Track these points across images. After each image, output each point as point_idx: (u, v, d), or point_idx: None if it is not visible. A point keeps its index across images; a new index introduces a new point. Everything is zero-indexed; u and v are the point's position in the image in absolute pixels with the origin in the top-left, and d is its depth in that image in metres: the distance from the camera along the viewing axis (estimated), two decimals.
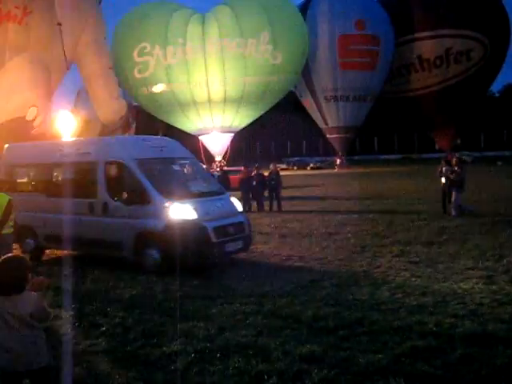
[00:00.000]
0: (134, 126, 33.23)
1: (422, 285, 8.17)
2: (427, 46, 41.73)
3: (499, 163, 52.27)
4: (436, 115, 47.14)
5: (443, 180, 16.52)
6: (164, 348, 5.88)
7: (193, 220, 9.70)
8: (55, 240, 11.42)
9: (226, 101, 33.56)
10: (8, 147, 13.28)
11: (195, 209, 9.82)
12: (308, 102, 39.95)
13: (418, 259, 10.06)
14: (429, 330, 6.08)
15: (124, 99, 31.15)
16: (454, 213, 15.66)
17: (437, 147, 60.44)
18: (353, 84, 37.18)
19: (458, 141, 61.23)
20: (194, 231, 9.55)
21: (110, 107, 28.35)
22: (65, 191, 11.16)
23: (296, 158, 72.07)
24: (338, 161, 54.33)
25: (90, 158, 11.07)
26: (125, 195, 10.25)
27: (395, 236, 12.69)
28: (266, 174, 21.27)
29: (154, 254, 9.74)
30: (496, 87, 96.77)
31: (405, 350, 5.53)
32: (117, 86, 30.08)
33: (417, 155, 73.96)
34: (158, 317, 7.01)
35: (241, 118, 35.41)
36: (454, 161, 16.73)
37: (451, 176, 16.07)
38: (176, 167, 11.72)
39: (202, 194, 10.87)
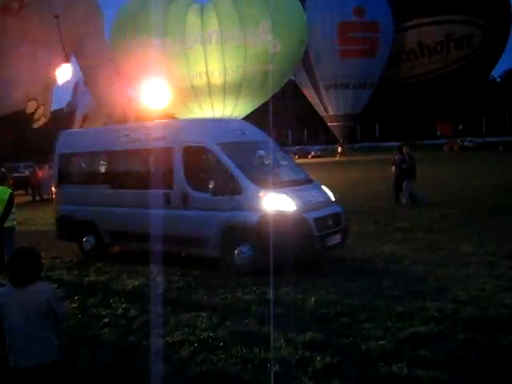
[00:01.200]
0: (132, 117, 33.18)
1: (423, 271, 8.18)
2: (427, 32, 41.50)
3: (501, 148, 52.20)
4: (437, 101, 46.97)
5: (393, 169, 16.55)
6: (167, 338, 5.90)
7: (292, 212, 8.51)
8: (122, 237, 10.44)
9: (226, 90, 33.46)
10: (63, 133, 12.06)
11: (293, 199, 8.66)
12: (308, 91, 39.82)
13: (419, 246, 10.07)
14: (431, 316, 6.09)
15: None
16: (404, 201, 15.78)
17: (438, 133, 60.30)
18: (353, 71, 37.02)
19: (460, 126, 61.11)
20: (295, 224, 8.37)
21: (110, 98, 28.31)
22: (133, 182, 10.31)
23: (297, 147, 72.00)
24: (340, 149, 54.26)
25: (163, 144, 9.79)
26: (211, 184, 8.83)
27: (396, 223, 12.69)
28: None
29: (247, 250, 8.61)
30: (497, 72, 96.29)
31: (407, 336, 5.55)
32: (116, 77, 30.02)
33: (419, 142, 73.87)
34: (161, 307, 7.02)
35: (241, 108, 35.31)
36: (404, 150, 16.70)
37: (402, 165, 16.12)
38: (261, 152, 10.41)
39: (294, 183, 9.52)
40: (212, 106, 34.56)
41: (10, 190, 9.68)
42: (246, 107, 35.64)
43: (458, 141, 61.99)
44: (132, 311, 6.96)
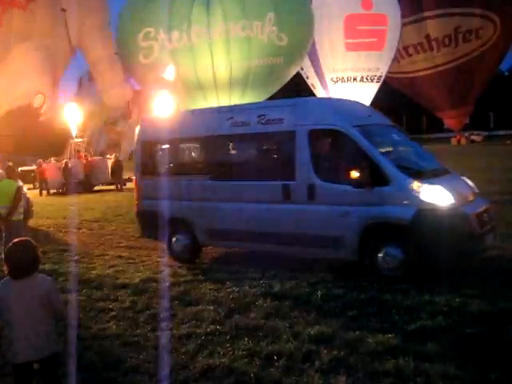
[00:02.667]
0: (136, 110, 33.22)
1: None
2: (435, 25, 41.18)
3: (508, 142, 51.91)
4: (444, 95, 46.70)
5: None
6: (174, 331, 5.91)
7: (451, 206, 7.28)
8: (224, 236, 8.99)
9: (231, 84, 33.33)
10: (147, 119, 10.90)
11: (449, 190, 7.42)
12: (314, 84, 39.62)
13: None
14: (439, 310, 6.07)
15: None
16: None
17: (445, 127, 59.97)
18: (360, 65, 36.82)
19: (467, 120, 60.77)
20: (455, 221, 7.20)
21: (116, 92, 28.33)
22: (240, 172, 8.96)
23: None
24: None
25: (282, 127, 8.34)
26: (354, 174, 7.55)
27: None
28: None
29: (396, 252, 7.33)
30: (505, 66, 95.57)
31: (414, 330, 5.53)
32: (122, 71, 30.02)
33: (426, 135, 73.57)
34: (168, 301, 7.03)
35: (247, 101, 35.15)
36: None
37: None
38: (395, 137, 9.07)
39: (436, 172, 8.20)
40: (218, 99, 34.47)
41: (17, 184, 9.73)
42: (252, 101, 35.51)
43: (466, 134, 61.63)
44: (139, 304, 6.98)
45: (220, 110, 9.94)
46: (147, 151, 10.18)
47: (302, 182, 8.00)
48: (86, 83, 33.22)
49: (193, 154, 10.15)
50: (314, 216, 7.90)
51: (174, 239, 9.50)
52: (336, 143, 8.22)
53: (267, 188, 8.37)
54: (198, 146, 9.84)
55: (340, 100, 10.86)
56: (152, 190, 9.82)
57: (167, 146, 10.05)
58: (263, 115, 8.59)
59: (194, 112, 10.57)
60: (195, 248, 9.39)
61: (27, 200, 13.45)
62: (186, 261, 9.22)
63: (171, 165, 9.95)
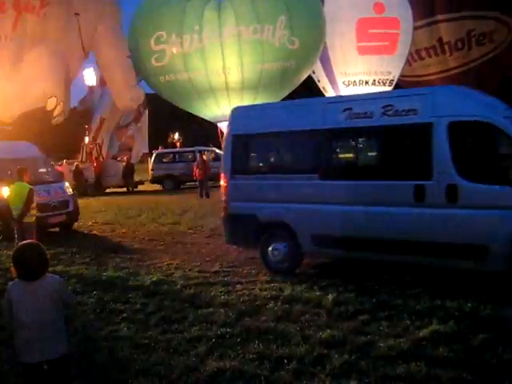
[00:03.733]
0: (146, 113, 33.27)
1: (443, 269, 8.07)
2: (448, 29, 40.94)
3: None
4: None
5: None
6: (184, 333, 5.91)
7: None
8: (335, 243, 7.97)
9: (243, 87, 33.35)
10: (237, 109, 9.42)
11: None
12: (326, 87, 39.54)
13: None
14: (450, 315, 6.02)
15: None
16: None
17: None
18: (372, 68, 36.70)
19: None
20: None
21: (128, 95, 28.46)
22: (358, 170, 8.03)
23: None
24: None
25: (415, 119, 7.34)
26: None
27: None
28: None
29: None
30: None
31: (426, 335, 5.49)
32: (134, 74, 30.18)
33: None
34: (178, 303, 7.04)
35: None
36: None
37: None
38: None
39: None
40: (229, 102, 34.48)
41: (29, 186, 9.82)
42: None
43: None
44: (150, 307, 6.98)
45: (332, 101, 8.94)
46: (239, 146, 8.89)
47: (440, 181, 7.02)
48: (98, 89, 33.40)
49: (296, 150, 8.79)
50: (455, 221, 6.94)
51: (270, 247, 8.44)
52: (484, 137, 7.24)
53: (394, 189, 7.35)
54: (302, 140, 8.52)
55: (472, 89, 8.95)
56: (244, 190, 8.77)
57: (264, 140, 8.96)
58: (390, 106, 7.54)
59: (297, 102, 9.33)
60: (296, 256, 8.36)
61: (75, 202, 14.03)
62: (284, 271, 8.24)
63: (268, 162, 9.13)
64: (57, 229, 14.14)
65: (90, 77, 31.06)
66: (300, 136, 8.46)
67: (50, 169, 15.86)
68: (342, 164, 8.39)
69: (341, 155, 8.52)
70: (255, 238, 8.59)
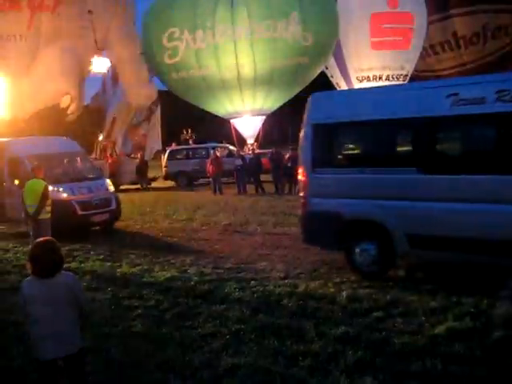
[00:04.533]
0: (158, 110, 33.28)
1: (457, 265, 8.01)
2: (463, 23, 40.56)
3: None
4: None
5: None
6: (199, 330, 5.93)
7: None
8: (439, 244, 7.11)
9: (256, 84, 33.39)
10: (317, 96, 8.48)
11: None
12: (339, 83, 39.34)
13: None
14: (466, 311, 5.98)
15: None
16: None
17: None
18: (386, 63, 36.49)
19: None
20: None
21: (141, 92, 28.58)
22: (468, 164, 7.02)
23: None
24: None
25: None
26: None
27: None
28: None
29: None
30: None
31: (441, 332, 5.46)
32: (147, 71, 30.26)
33: None
34: (193, 299, 7.06)
35: (272, 101, 35.21)
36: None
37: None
38: None
39: None
40: (242, 98, 34.53)
41: (44, 183, 9.88)
42: (276, 100, 35.52)
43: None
44: (164, 303, 7.01)
45: (432, 85, 7.93)
46: (321, 137, 8.04)
47: None
48: (110, 87, 33.49)
49: (389, 141, 7.92)
50: None
51: (357, 248, 7.68)
52: None
53: (508, 183, 6.51)
54: (396, 130, 7.85)
55: None
56: (327, 185, 7.98)
57: (352, 130, 8.15)
58: (506, 90, 6.66)
59: (389, 88, 8.58)
60: (388, 258, 7.60)
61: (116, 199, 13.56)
62: (373, 275, 7.55)
63: (356, 154, 8.24)
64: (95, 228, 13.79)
65: (98, 64, 30.57)
66: (393, 125, 7.65)
67: (89, 164, 15.46)
68: (447, 156, 7.49)
69: (445, 146, 7.56)
70: (338, 238, 7.84)
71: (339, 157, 8.38)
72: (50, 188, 12.05)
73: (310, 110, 8.31)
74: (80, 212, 12.48)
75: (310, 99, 8.40)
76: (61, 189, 12.57)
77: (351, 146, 8.45)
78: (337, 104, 8.21)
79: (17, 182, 12.65)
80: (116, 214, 13.61)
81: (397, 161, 7.60)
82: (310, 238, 8.45)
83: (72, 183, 13.01)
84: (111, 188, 13.96)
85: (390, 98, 7.76)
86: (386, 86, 9.20)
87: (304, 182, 8.28)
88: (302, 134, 8.44)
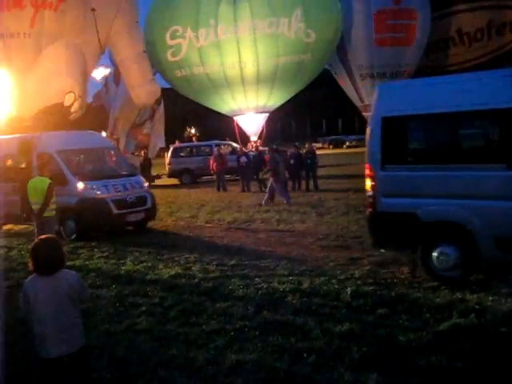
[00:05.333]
0: (162, 108, 33.22)
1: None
2: (467, 19, 40.40)
3: None
4: None
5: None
6: (203, 327, 5.93)
7: None
8: None
9: (259, 81, 33.37)
10: (385, 87, 8.23)
11: None
12: (343, 80, 39.27)
13: None
14: (471, 308, 5.96)
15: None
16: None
17: None
18: (389, 60, 36.38)
19: None
20: None
21: (145, 90, 28.60)
22: None
23: (332, 137, 71.46)
24: None
25: None
26: None
27: None
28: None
29: None
30: None
31: (446, 328, 5.44)
32: (150, 69, 30.26)
33: None
34: (197, 296, 7.06)
35: (275, 98, 35.20)
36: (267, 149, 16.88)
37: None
38: None
39: None
40: (245, 96, 34.52)
41: (48, 181, 9.89)
42: (280, 97, 35.48)
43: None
44: (168, 300, 7.01)
45: None
46: (392, 130, 7.43)
47: None
48: (112, 86, 33.51)
49: (473, 135, 7.50)
50: None
51: (435, 252, 7.06)
52: None
53: None
54: (481, 122, 7.32)
55: None
56: (399, 184, 7.37)
57: (428, 123, 7.43)
58: None
59: (468, 76, 7.76)
60: (472, 263, 6.98)
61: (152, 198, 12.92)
62: (453, 280, 6.94)
63: (434, 149, 7.49)
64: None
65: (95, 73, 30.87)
66: (478, 117, 7.08)
67: (123, 160, 14.86)
68: None
69: None
70: (413, 241, 7.27)
71: (415, 152, 7.73)
72: (82, 185, 11.88)
73: (378, 102, 7.67)
74: (115, 211, 12.05)
75: (377, 90, 7.81)
76: (94, 186, 12.13)
77: (428, 140, 7.69)
78: (410, 95, 7.51)
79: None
80: (151, 214, 13.06)
81: (484, 156, 6.93)
82: (380, 241, 7.81)
83: (106, 180, 12.48)
84: (146, 185, 13.45)
85: (467, 87, 7.02)
86: (463, 75, 8.45)
87: (371, 180, 7.59)
88: (368, 128, 7.84)
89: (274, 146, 18.66)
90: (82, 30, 24.54)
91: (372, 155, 7.60)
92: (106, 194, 12.10)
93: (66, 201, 11.55)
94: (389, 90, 7.93)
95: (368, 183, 7.66)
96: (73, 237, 11.81)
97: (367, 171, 7.69)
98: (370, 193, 7.62)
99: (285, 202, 15.57)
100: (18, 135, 14.39)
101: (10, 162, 13.61)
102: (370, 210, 7.70)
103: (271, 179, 16.12)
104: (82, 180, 12.14)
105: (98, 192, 12.06)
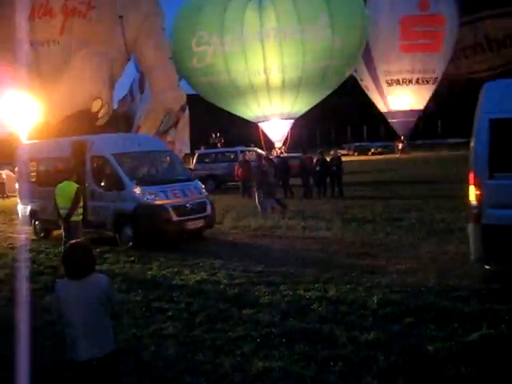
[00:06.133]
0: (187, 114, 33.32)
1: (489, 271, 7.86)
2: (496, 25, 39.93)
3: None
4: None
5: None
6: (229, 333, 5.93)
7: None
8: None
9: (284, 87, 33.39)
10: (497, 85, 7.25)
11: None
12: (369, 86, 39.12)
13: None
14: (501, 319, 5.85)
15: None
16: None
17: None
18: (416, 66, 36.13)
19: None
20: None
21: (170, 96, 28.85)
22: None
23: (357, 144, 71.05)
24: (400, 145, 53.16)
25: None
26: None
27: (462, 222, 12.28)
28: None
29: None
30: None
31: (475, 339, 5.35)
32: (176, 75, 30.51)
33: None
34: (223, 303, 7.07)
35: (300, 104, 35.17)
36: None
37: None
38: None
39: None
40: (270, 102, 34.57)
41: (76, 185, 10.03)
42: (305, 104, 35.47)
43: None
44: (194, 305, 7.04)
45: None
46: (502, 134, 6.68)
47: None
48: (137, 93, 33.81)
49: None
50: None
51: None
52: None
53: None
54: None
55: None
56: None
57: None
58: None
59: None
60: None
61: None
62: None
63: None
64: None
65: None
66: None
67: (179, 164, 14.20)
68: None
69: None
70: None
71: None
72: (140, 190, 11.35)
73: (484, 102, 6.94)
74: (175, 218, 11.37)
75: (484, 89, 7.04)
76: (153, 192, 11.51)
77: None
78: None
79: (105, 182, 11.96)
80: (211, 221, 12.34)
81: None
82: (486, 257, 7.03)
83: (164, 185, 11.81)
84: (205, 191, 12.80)
85: None
86: None
87: (477, 190, 6.88)
88: (474, 131, 7.09)
89: (265, 154, 18.48)
90: (109, 37, 24.92)
91: (477, 162, 6.88)
92: (166, 200, 11.48)
93: (123, 206, 11.37)
94: (497, 88, 7.06)
95: (472, 193, 6.96)
96: (129, 244, 11.32)
97: (471, 180, 6.97)
98: (474, 203, 6.93)
99: (259, 210, 15.36)
100: (70, 137, 14.08)
101: (60, 166, 13.03)
102: (475, 222, 6.98)
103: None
104: (139, 185, 11.54)
105: (157, 198, 11.46)
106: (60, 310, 3.86)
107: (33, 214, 13.60)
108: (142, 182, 11.66)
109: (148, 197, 11.37)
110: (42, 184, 13.15)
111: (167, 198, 11.51)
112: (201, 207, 11.97)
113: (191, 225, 11.68)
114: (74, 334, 3.81)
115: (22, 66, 21.81)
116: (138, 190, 11.42)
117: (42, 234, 13.49)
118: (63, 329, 3.90)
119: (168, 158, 13.78)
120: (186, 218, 11.54)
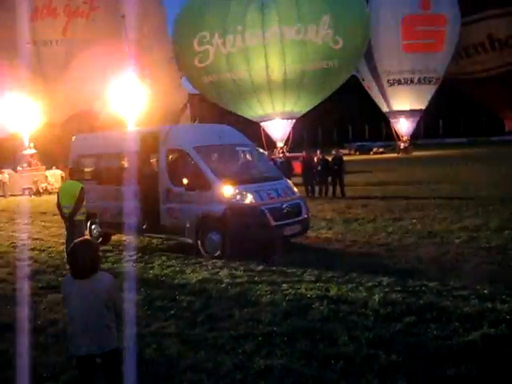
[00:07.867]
0: (187, 113, 33.46)
1: (493, 271, 7.90)
2: (498, 25, 39.85)
3: None
4: (506, 96, 45.13)
5: None
6: (231, 331, 5.96)
7: None
8: None
9: (286, 87, 33.40)
10: None
11: None
12: (370, 86, 39.10)
13: (487, 245, 9.73)
14: (501, 318, 5.88)
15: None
16: None
17: (506, 129, 57.98)
18: (417, 66, 36.08)
19: None
20: None
21: (173, 96, 28.92)
22: None
23: (358, 143, 71.06)
24: (402, 145, 53.17)
25: None
26: None
27: (463, 222, 12.31)
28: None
29: None
30: None
31: (476, 338, 5.37)
32: (178, 75, 30.57)
33: (485, 138, 71.26)
34: (224, 301, 7.10)
35: (302, 104, 35.17)
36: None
37: None
38: None
39: None
40: (272, 102, 34.60)
41: (80, 185, 10.08)
42: (306, 104, 35.49)
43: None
44: (196, 304, 7.06)
45: None
46: None
47: None
48: None
49: None
50: None
51: None
52: None
53: None
54: None
55: None
56: None
57: None
58: None
59: None
60: None
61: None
62: None
63: None
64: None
65: None
66: None
67: (263, 160, 12.63)
68: None
69: None
70: None
71: None
72: (231, 190, 9.84)
73: None
74: (273, 223, 9.81)
75: None
76: (245, 192, 9.96)
77: None
78: None
79: (185, 181, 10.30)
80: (306, 226, 10.85)
81: None
82: None
83: (255, 184, 10.30)
84: (296, 190, 11.20)
85: None
86: None
87: None
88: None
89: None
90: (112, 37, 25.00)
91: None
92: (260, 202, 9.94)
93: (208, 209, 9.92)
94: None
95: None
96: (216, 253, 9.81)
97: None
98: None
99: None
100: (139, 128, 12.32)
101: (128, 162, 11.73)
102: None
103: None
104: (228, 184, 9.99)
105: (251, 198, 9.95)
106: (66, 305, 3.95)
107: (89, 216, 11.86)
108: (230, 180, 10.09)
109: (240, 197, 9.90)
110: (103, 182, 12.05)
111: (262, 199, 9.99)
112: (296, 210, 10.42)
113: (288, 230, 10.20)
114: (75, 329, 3.88)
115: (25, 66, 21.89)
116: (228, 190, 9.90)
117: (100, 239, 12.17)
118: (66, 325, 3.96)
119: (252, 153, 12.18)
120: (284, 222, 10.05)
